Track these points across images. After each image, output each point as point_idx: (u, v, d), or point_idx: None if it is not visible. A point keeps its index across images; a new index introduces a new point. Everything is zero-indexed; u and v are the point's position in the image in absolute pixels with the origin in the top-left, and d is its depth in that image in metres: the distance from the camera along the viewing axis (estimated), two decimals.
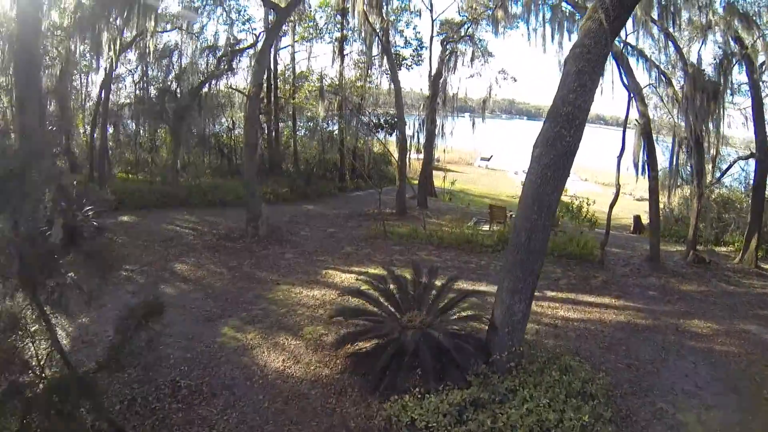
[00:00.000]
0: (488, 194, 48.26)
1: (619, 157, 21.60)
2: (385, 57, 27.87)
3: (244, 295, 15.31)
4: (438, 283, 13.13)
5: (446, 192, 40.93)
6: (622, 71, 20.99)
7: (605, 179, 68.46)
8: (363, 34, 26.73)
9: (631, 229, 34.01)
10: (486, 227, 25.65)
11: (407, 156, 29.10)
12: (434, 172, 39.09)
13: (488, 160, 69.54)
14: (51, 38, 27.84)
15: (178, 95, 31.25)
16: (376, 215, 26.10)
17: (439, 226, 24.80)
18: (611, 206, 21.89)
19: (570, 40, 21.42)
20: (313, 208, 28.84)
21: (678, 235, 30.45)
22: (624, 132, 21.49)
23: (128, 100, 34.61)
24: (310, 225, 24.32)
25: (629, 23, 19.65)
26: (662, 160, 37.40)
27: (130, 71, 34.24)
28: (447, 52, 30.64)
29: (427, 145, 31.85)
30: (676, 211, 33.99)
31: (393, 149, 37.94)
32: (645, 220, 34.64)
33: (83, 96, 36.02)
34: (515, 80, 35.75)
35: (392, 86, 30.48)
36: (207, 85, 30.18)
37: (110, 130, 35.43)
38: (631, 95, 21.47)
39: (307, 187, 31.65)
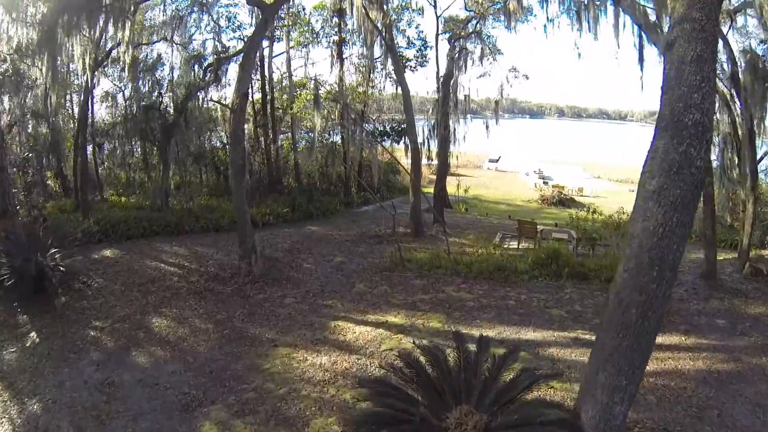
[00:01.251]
0: (503, 199, 45.01)
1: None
2: (389, 57, 24.09)
3: (232, 365, 11.75)
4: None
5: (460, 200, 37.44)
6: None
7: (619, 176, 65.22)
8: (363, 33, 23.01)
9: None
10: (513, 244, 22.27)
11: (420, 166, 25.34)
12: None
13: (497, 161, 66.18)
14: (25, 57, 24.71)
15: (164, 111, 27.77)
16: (389, 236, 22.63)
17: (461, 248, 21.33)
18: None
19: (590, 30, 19.15)
20: (318, 230, 25.29)
21: (719, 240, 26.83)
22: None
23: (119, 119, 31.37)
24: (314, 253, 20.71)
25: None
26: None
27: (120, 88, 30.96)
28: (456, 51, 27.07)
29: (441, 153, 28.15)
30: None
31: (399, 156, 34.68)
32: None
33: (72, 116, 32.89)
34: (527, 78, 32.54)
35: (398, 89, 27.01)
36: (194, 98, 26.57)
37: (105, 149, 33.64)
38: None
39: (310, 205, 28.09)
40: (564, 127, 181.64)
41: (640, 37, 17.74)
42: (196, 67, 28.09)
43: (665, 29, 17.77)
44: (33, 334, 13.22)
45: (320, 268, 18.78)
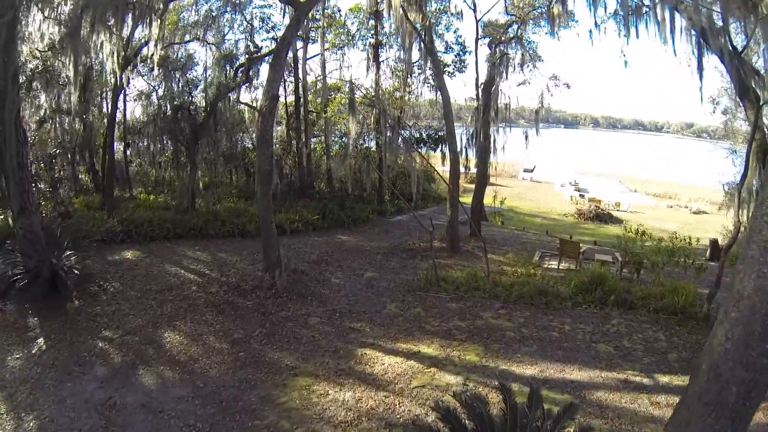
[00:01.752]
0: (539, 212, 43.28)
1: (740, 184, 16.28)
2: (428, 60, 22.53)
3: (245, 395, 10.48)
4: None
5: (496, 212, 35.85)
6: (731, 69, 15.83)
7: (655, 189, 62.94)
8: (401, 36, 21.56)
9: (707, 255, 28.49)
10: (553, 263, 20.77)
11: (459, 177, 23.81)
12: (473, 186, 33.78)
13: (531, 171, 64.22)
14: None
15: (195, 111, 26.83)
16: (423, 251, 21.27)
17: (499, 266, 19.86)
18: (727, 249, 16.54)
19: (638, 36, 17.72)
20: (348, 240, 24.03)
21: None
22: (749, 151, 15.91)
23: (151, 118, 30.68)
24: (344, 266, 19.39)
25: None
26: (733, 172, 32.38)
27: (154, 87, 30.19)
28: (497, 56, 25.51)
29: (480, 164, 26.53)
30: None
31: (435, 164, 33.33)
32: (721, 240, 29.63)
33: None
34: (569, 87, 30.89)
35: (437, 95, 25.56)
36: (224, 98, 25.55)
37: (138, 147, 33.11)
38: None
39: (341, 213, 26.81)
40: (599, 137, 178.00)
41: (699, 44, 16.36)
42: (228, 67, 27.17)
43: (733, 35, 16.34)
44: (41, 340, 12.29)
45: (349, 283, 17.46)
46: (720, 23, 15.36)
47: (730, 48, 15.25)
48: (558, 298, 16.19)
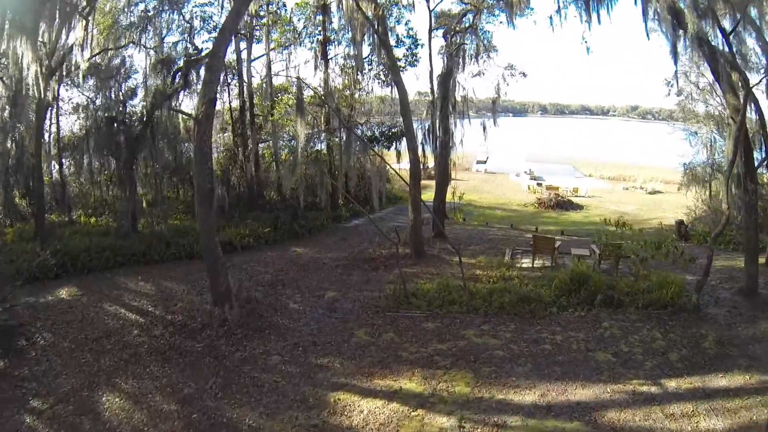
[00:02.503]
0: (498, 204, 42.25)
1: (728, 170, 15.34)
2: (382, 52, 20.56)
3: None
4: None
5: (456, 208, 34.38)
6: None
7: (609, 172, 62.94)
8: (352, 28, 19.71)
9: (675, 236, 27.72)
10: (526, 261, 19.49)
11: (420, 178, 22.02)
12: (431, 182, 32.49)
13: (485, 162, 63.21)
14: None
15: (131, 123, 24.31)
16: (386, 260, 19.58)
17: (470, 270, 18.24)
18: (716, 237, 15.51)
19: (599, 22, 17.56)
20: (304, 252, 22.10)
21: (735, 242, 24.41)
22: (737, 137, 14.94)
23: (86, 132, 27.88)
24: (301, 286, 17.44)
25: None
26: (691, 152, 31.86)
27: (91, 98, 27.42)
28: (454, 46, 23.85)
29: (441, 161, 24.71)
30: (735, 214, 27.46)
31: (389, 161, 31.72)
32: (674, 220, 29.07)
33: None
34: (525, 76, 29.76)
35: (393, 90, 23.80)
36: (161, 107, 23.12)
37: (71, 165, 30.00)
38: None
39: (294, 223, 24.80)
40: (547, 124, 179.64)
41: (674, 27, 15.65)
42: (166, 72, 24.76)
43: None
44: None
45: (309, 308, 15.47)
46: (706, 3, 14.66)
47: (719, 30, 14.53)
48: (542, 304, 14.76)
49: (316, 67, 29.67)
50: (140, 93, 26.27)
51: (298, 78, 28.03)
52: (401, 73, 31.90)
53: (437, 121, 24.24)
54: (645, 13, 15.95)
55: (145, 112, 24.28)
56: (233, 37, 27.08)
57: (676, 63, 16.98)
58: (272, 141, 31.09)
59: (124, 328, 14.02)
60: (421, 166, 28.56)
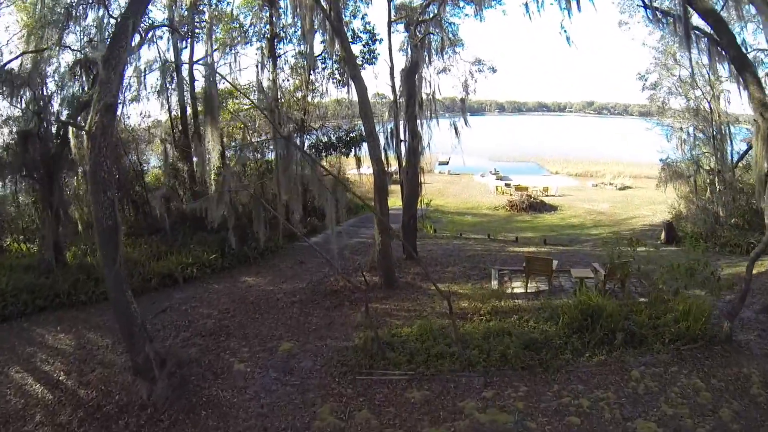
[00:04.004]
0: (467, 208, 39.17)
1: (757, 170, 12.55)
2: (336, 43, 16.60)
3: None
4: None
5: (423, 215, 31.08)
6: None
7: (576, 169, 60.80)
8: (300, 16, 15.86)
9: (662, 238, 25.17)
10: (518, 285, 16.47)
11: (387, 192, 18.23)
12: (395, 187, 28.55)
13: (447, 164, 59.81)
14: None
15: (49, 137, 20.12)
16: (352, 291, 16.12)
17: (455, 302, 14.89)
18: (755, 258, 12.62)
19: (580, 9, 15.15)
20: (255, 283, 18.47)
21: (732, 245, 21.84)
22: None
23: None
24: (250, 336, 13.77)
25: None
26: (669, 147, 29.49)
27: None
28: (419, 37, 20.31)
29: (410, 170, 20.78)
30: (722, 213, 25.01)
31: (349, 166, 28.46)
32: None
33: None
34: (494, 71, 26.88)
35: (351, 91, 20.20)
36: (78, 117, 19.09)
37: None
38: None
39: (245, 246, 21.04)
40: (507, 122, 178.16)
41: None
42: (84, 75, 20.74)
43: None
44: None
45: (259, 370, 11.76)
46: None
47: None
48: (552, 350, 11.49)
49: (261, 66, 25.83)
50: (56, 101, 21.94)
51: (232, 83, 23.89)
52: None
53: (402, 122, 20.69)
54: None
55: (60, 125, 20.20)
56: (170, 35, 23.39)
57: (689, 49, 14.10)
58: (198, 158, 26.78)
59: (26, 410, 10.41)
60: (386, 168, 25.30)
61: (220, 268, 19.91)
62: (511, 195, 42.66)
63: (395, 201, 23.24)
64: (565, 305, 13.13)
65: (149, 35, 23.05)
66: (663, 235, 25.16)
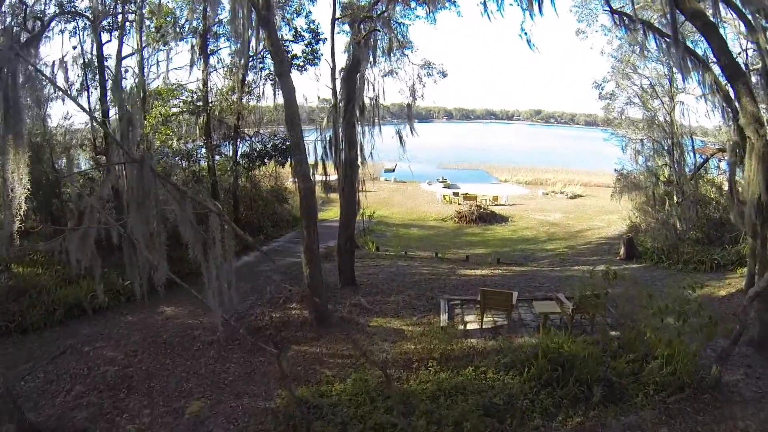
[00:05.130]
0: (412, 220, 36.91)
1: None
2: (262, 33, 13.33)
3: None
4: None
5: (366, 229, 28.61)
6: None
7: (525, 177, 59.52)
8: (231, 6, 12.94)
9: (622, 254, 23.55)
10: (469, 318, 14.20)
11: (316, 213, 15.28)
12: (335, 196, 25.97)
13: (393, 171, 57.15)
14: None
15: None
16: (278, 330, 13.56)
17: (397, 343, 12.56)
18: (755, 297, 10.64)
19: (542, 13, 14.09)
20: (173, 315, 15.63)
21: (695, 261, 20.31)
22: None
23: None
24: (155, 390, 11.07)
25: None
26: (624, 158, 28.18)
27: None
28: (363, 34, 17.65)
29: (347, 186, 17.77)
30: (679, 226, 23.49)
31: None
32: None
33: None
34: (445, 75, 24.59)
35: (277, 91, 17.52)
36: None
37: None
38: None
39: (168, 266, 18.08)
40: (455, 129, 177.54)
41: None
42: None
43: None
44: None
45: None
46: None
47: None
48: (518, 414, 9.19)
49: (192, 63, 23.02)
50: None
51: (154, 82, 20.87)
52: (300, 72, 26.21)
53: (340, 130, 18.09)
54: None
55: None
56: (92, 29, 20.27)
57: (680, 55, 12.45)
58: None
59: None
60: (325, 178, 22.64)
61: (124, 301, 16.70)
62: (459, 204, 40.61)
63: (334, 213, 20.57)
64: (530, 353, 10.84)
65: (53, 24, 20.22)
66: (622, 251, 23.45)
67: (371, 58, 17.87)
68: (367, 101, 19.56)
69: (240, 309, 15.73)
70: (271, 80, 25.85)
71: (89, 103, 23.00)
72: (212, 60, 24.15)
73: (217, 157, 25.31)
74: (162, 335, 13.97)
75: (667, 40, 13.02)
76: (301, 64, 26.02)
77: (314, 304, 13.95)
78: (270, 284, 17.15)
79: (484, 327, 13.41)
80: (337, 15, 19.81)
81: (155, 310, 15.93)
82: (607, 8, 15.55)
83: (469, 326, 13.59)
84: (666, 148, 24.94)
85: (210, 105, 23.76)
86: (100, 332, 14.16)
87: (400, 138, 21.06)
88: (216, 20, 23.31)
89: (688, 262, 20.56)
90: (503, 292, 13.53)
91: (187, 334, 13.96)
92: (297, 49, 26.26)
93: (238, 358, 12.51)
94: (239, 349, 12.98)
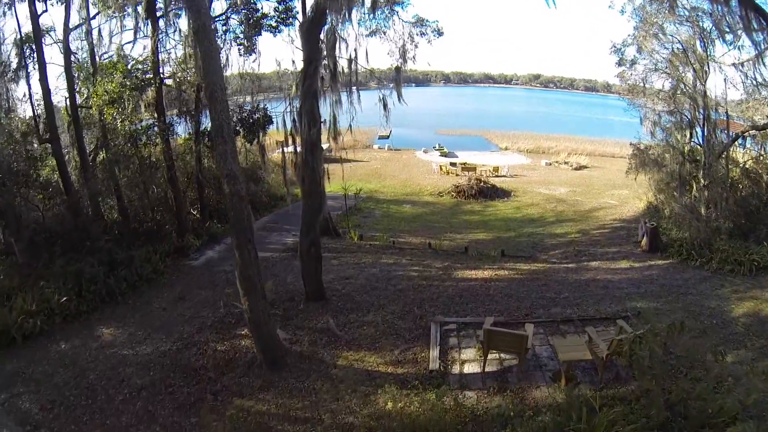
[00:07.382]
0: (406, 193, 33.46)
1: None
2: None
3: None
4: None
5: (351, 210, 25.05)
6: None
7: (527, 145, 55.67)
8: None
9: (643, 244, 19.94)
10: (467, 353, 10.88)
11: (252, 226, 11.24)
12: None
13: (387, 137, 53.06)
14: None
15: None
16: (222, 368, 10.23)
17: (370, 389, 9.25)
18: None
19: None
20: (111, 340, 12.24)
21: (730, 261, 16.59)
22: None
23: None
24: None
25: None
26: (643, 133, 24.15)
27: None
28: None
29: (307, 176, 13.65)
30: (704, 212, 19.72)
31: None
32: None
33: None
34: (441, 34, 20.87)
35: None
36: None
37: None
38: None
39: (110, 276, 14.77)
40: (452, 93, 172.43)
41: None
42: None
43: None
44: None
45: None
46: None
47: None
48: None
49: (136, 28, 19.16)
50: None
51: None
52: (273, 34, 22.74)
53: (304, 102, 14.25)
54: None
55: None
56: None
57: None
58: (102, 141, 19.63)
59: None
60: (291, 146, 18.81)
61: (75, 313, 13.51)
62: (457, 176, 36.98)
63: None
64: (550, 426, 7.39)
65: None
66: (645, 242, 19.75)
67: (346, 13, 13.94)
68: (344, 63, 15.82)
69: (188, 331, 12.36)
70: (240, 45, 22.05)
71: (28, 82, 19.12)
72: (162, 24, 19.98)
73: (179, 136, 21.82)
74: (89, 375, 10.58)
75: None
76: (274, 24, 22.05)
77: (261, 344, 10.38)
78: (223, 297, 13.65)
79: (487, 369, 9.96)
80: None
81: (92, 335, 12.63)
82: None
83: (468, 368, 10.13)
84: (689, 121, 20.99)
85: (161, 76, 19.87)
86: (23, 370, 10.84)
87: (385, 105, 17.29)
88: None
89: (724, 262, 16.77)
90: (515, 335, 9.76)
91: (116, 375, 10.56)
92: (268, 7, 22.39)
93: (167, 415, 9.19)
94: (171, 400, 9.61)
